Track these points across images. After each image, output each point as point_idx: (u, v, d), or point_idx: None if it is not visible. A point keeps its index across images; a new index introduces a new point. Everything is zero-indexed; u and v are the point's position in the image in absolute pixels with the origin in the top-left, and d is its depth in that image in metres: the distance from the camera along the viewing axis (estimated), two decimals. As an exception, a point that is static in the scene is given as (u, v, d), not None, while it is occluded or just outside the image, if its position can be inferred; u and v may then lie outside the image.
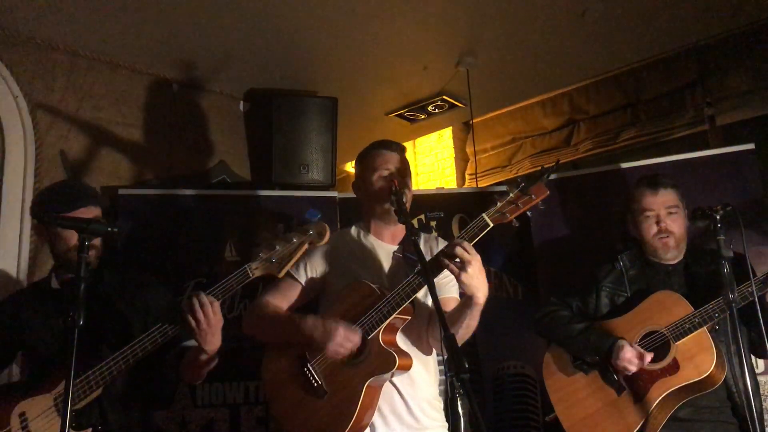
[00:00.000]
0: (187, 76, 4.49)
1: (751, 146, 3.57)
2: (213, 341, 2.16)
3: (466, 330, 2.24)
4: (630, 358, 2.54)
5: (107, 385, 2.20)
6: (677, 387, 2.51)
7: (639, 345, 2.60)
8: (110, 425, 2.27)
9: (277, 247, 2.11)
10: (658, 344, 2.59)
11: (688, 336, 2.52)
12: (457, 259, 2.08)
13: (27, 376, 2.41)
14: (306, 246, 2.12)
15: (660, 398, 2.52)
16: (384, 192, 2.41)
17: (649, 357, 2.54)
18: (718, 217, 2.38)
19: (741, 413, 2.52)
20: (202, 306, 2.08)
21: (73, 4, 3.57)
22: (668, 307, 2.62)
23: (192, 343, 2.27)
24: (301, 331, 2.25)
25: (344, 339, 2.17)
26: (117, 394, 2.32)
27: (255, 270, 2.13)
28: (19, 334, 2.45)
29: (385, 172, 2.46)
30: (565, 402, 2.76)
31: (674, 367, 2.54)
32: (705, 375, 2.47)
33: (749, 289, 2.42)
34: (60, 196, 2.45)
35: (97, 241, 2.41)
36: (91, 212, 2.40)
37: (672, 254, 2.75)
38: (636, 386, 2.59)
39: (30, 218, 3.59)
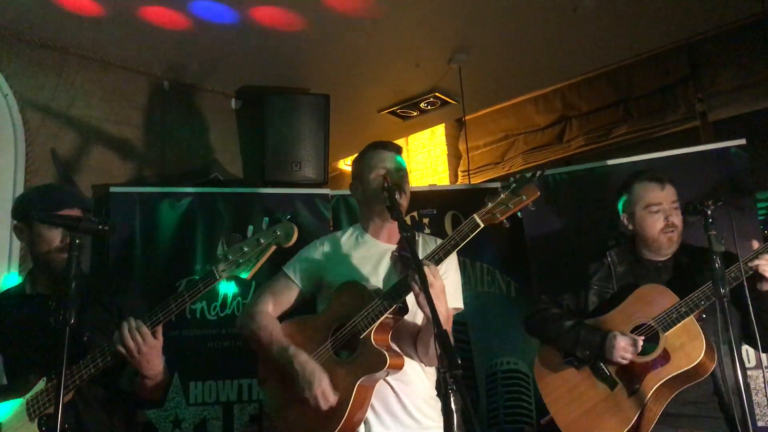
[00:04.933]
0: (179, 74, 4.47)
1: (742, 141, 3.58)
2: (150, 367, 2.15)
3: (433, 356, 2.23)
4: (624, 346, 2.54)
5: (82, 389, 2.18)
6: (670, 377, 2.51)
7: None
8: (86, 428, 2.24)
9: (245, 249, 2.10)
10: (647, 337, 2.59)
11: (677, 326, 2.53)
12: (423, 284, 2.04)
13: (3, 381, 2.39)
14: (273, 248, 2.10)
15: (654, 389, 2.53)
16: (381, 189, 2.41)
17: (641, 340, 2.54)
18: (709, 212, 2.39)
19: (729, 409, 2.52)
20: (131, 332, 2.08)
21: (63, 1, 3.55)
22: (654, 298, 2.62)
23: None
24: (290, 364, 2.26)
25: (321, 395, 2.19)
26: (96, 397, 2.29)
27: (222, 272, 2.11)
28: None
29: (383, 171, 2.45)
30: (559, 402, 2.75)
31: (665, 358, 2.54)
32: (696, 362, 2.47)
33: (734, 273, 2.44)
34: (42, 197, 2.43)
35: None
36: (73, 213, 2.35)
37: (671, 249, 2.76)
38: (628, 380, 2.59)
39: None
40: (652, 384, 2.53)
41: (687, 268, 2.72)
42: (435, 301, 1.97)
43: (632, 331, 2.62)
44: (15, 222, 2.45)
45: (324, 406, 2.18)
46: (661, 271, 2.77)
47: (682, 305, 2.53)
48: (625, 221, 2.85)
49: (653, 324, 2.58)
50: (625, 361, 2.56)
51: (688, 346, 2.50)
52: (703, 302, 2.50)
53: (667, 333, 2.55)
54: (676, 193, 2.76)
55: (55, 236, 2.34)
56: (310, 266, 2.50)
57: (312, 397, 2.19)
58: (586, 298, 2.84)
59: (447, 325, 2.17)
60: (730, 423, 2.52)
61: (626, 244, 2.89)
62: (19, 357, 2.35)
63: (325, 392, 2.19)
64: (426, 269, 2.03)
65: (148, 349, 2.10)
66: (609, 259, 2.85)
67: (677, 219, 2.72)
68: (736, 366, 2.31)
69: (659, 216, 2.72)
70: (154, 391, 2.30)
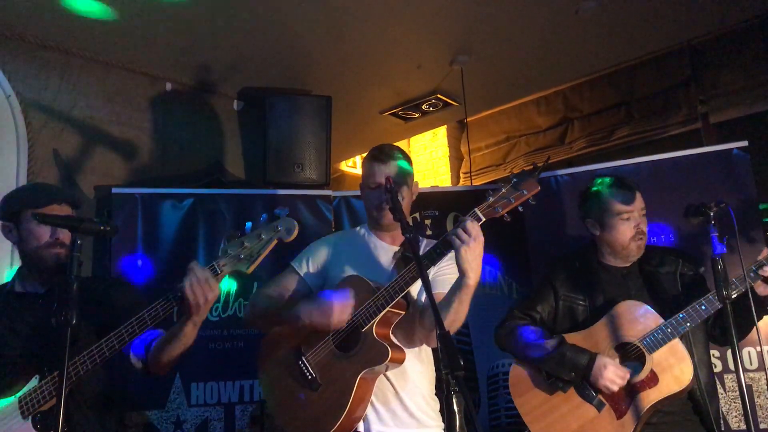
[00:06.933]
0: (181, 76, 4.48)
1: (744, 143, 3.58)
2: (204, 313, 2.15)
3: (455, 315, 2.19)
4: (613, 378, 2.49)
5: (73, 388, 2.18)
6: (659, 399, 2.48)
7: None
8: (75, 428, 2.23)
9: (246, 244, 2.10)
10: (632, 356, 2.56)
11: (662, 347, 2.51)
12: (464, 234, 2.08)
13: None
14: (275, 242, 2.10)
15: (643, 411, 2.48)
16: (373, 203, 2.45)
17: (627, 375, 2.51)
18: (711, 214, 2.39)
19: (703, 410, 2.54)
20: (200, 281, 2.08)
21: (65, 3, 3.55)
22: (636, 317, 2.58)
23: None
24: (297, 317, 2.28)
25: (340, 308, 2.20)
26: (88, 397, 2.30)
27: (223, 267, 2.11)
28: None
29: (373, 186, 2.47)
30: (541, 421, 2.65)
31: (653, 380, 2.50)
32: (686, 385, 2.46)
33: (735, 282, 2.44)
34: (29, 195, 2.42)
35: (66, 239, 2.33)
36: (62, 210, 2.36)
37: (638, 256, 2.74)
38: (616, 402, 2.54)
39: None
40: (642, 406, 2.49)
41: (655, 276, 2.71)
42: (477, 258, 2.10)
43: (616, 349, 2.59)
44: (2, 222, 2.41)
45: (347, 314, 2.20)
46: (627, 278, 2.74)
47: (668, 326, 2.50)
48: (590, 226, 2.80)
49: (638, 345, 2.55)
50: (610, 391, 2.51)
51: (676, 368, 2.48)
52: (688, 324, 2.48)
53: (653, 354, 2.52)
54: (643, 200, 2.75)
55: (44, 232, 2.32)
56: (317, 259, 2.53)
57: (333, 314, 2.19)
58: (557, 310, 2.79)
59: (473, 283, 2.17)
60: (706, 423, 2.53)
61: (590, 251, 2.85)
62: (10, 355, 2.33)
63: (342, 304, 2.20)
64: (468, 223, 2.09)
65: (213, 297, 2.10)
66: (574, 269, 2.82)
67: (645, 226, 2.72)
68: (739, 370, 2.30)
69: (630, 223, 2.68)
70: (173, 360, 2.25)
